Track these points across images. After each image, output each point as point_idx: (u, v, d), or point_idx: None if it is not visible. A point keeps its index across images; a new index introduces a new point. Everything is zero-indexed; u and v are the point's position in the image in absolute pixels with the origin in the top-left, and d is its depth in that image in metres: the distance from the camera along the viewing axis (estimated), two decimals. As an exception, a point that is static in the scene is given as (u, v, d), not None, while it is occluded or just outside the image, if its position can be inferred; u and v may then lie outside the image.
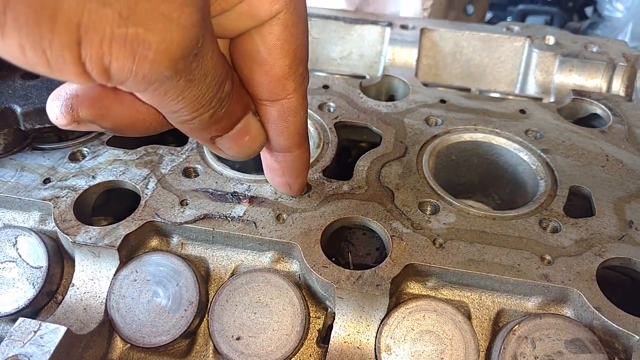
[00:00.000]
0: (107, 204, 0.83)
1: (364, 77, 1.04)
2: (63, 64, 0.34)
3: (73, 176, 0.73)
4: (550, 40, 1.09)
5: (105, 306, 0.64)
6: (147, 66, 0.36)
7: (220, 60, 0.43)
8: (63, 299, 0.65)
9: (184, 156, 0.77)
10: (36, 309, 0.67)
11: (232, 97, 0.46)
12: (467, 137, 0.85)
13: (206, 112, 0.45)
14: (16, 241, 0.67)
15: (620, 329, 0.57)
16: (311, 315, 0.64)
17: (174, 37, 0.36)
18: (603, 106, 0.92)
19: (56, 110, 0.43)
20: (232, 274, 0.67)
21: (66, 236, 0.65)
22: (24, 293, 0.65)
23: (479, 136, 0.85)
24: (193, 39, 0.37)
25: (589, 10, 2.57)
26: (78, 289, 0.65)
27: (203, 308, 0.65)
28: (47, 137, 0.79)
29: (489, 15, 2.45)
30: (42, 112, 0.73)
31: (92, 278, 0.65)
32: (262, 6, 0.45)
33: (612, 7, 2.30)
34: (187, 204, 0.69)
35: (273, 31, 0.47)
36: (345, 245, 0.81)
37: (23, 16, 0.31)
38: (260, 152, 0.59)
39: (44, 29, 0.32)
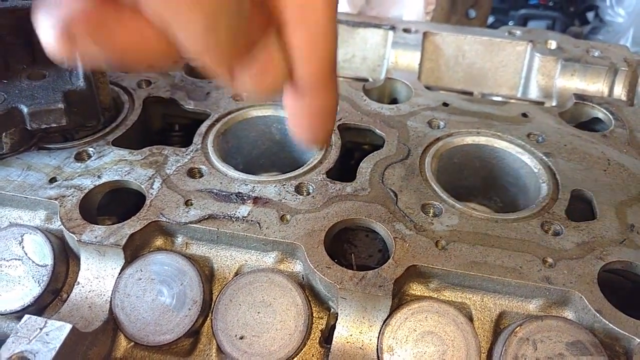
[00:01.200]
0: (111, 205, 0.83)
1: (366, 80, 1.05)
2: None
3: (79, 176, 0.74)
4: (552, 44, 1.10)
5: (110, 304, 0.64)
6: None
7: None
8: (68, 297, 0.66)
9: (189, 157, 0.78)
10: (41, 306, 0.67)
11: (250, 11, 0.39)
12: (469, 140, 0.86)
13: (223, 24, 0.36)
14: (22, 239, 0.68)
15: (621, 331, 0.58)
16: (314, 315, 0.65)
17: None
18: (605, 110, 0.93)
19: (48, 28, 0.35)
20: (236, 274, 0.68)
21: (72, 235, 0.65)
22: (29, 291, 0.66)
23: (481, 139, 0.86)
24: None
25: (590, 15, 2.58)
26: (83, 287, 0.66)
27: (207, 307, 0.65)
28: (53, 137, 0.80)
29: (490, 20, 2.46)
30: (48, 112, 0.74)
31: (97, 276, 0.66)
32: None
33: (614, 12, 2.31)
34: (191, 204, 0.70)
35: None
36: (347, 247, 0.82)
37: None
38: (286, 98, 0.50)
39: None
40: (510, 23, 2.45)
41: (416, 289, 0.65)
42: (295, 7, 0.42)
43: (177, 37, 0.37)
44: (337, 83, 0.49)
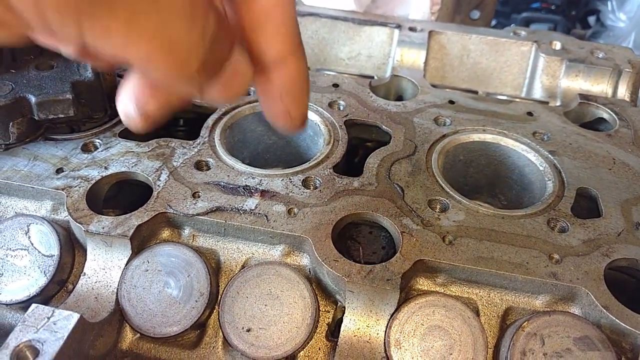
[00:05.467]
0: (116, 197, 0.83)
1: (372, 78, 1.05)
2: None
3: (85, 166, 0.74)
4: (557, 45, 1.10)
5: (117, 295, 0.64)
6: None
7: None
8: (74, 288, 0.66)
9: (196, 149, 0.78)
10: (47, 297, 0.67)
11: (219, 33, 0.38)
12: (475, 137, 0.86)
13: (190, 57, 0.37)
14: (28, 229, 0.68)
15: (628, 327, 0.58)
16: (321, 308, 0.65)
17: None
18: (609, 110, 0.93)
19: (133, 114, 0.43)
20: (243, 267, 0.68)
21: (79, 225, 0.65)
22: (35, 281, 0.66)
23: (487, 137, 0.86)
24: None
25: (591, 20, 2.59)
26: (89, 278, 0.66)
27: (213, 300, 0.65)
28: (60, 127, 0.80)
29: (492, 23, 2.46)
30: (55, 102, 0.74)
31: (104, 267, 0.66)
32: None
33: (615, 16, 2.32)
34: (199, 197, 0.70)
35: None
36: (351, 244, 0.82)
37: None
38: (253, 79, 0.49)
39: None
40: (512, 26, 2.46)
41: (423, 283, 0.65)
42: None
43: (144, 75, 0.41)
44: (304, 50, 0.48)
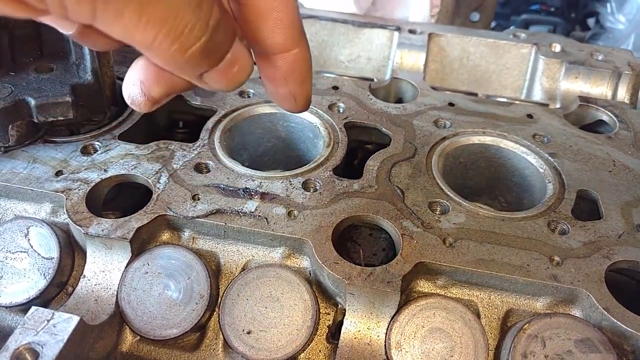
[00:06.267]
0: (116, 200, 0.83)
1: (371, 80, 1.05)
2: None
3: (85, 169, 0.73)
4: (557, 47, 1.10)
5: (117, 298, 0.64)
6: None
7: None
8: (73, 290, 0.66)
9: (196, 152, 0.78)
10: (46, 299, 0.67)
11: (221, 24, 0.41)
12: (475, 139, 0.86)
13: (194, 43, 0.39)
14: (28, 232, 0.68)
15: (630, 330, 0.58)
16: (321, 311, 0.65)
17: None
18: (609, 113, 0.93)
19: (138, 97, 0.47)
20: (243, 269, 0.68)
21: (79, 227, 0.65)
22: (34, 283, 0.65)
23: (487, 139, 0.86)
24: None
25: (591, 22, 2.59)
26: (89, 280, 0.65)
27: (213, 302, 0.65)
28: (59, 130, 0.80)
29: (492, 25, 2.47)
30: (55, 105, 0.74)
31: (104, 270, 0.66)
32: None
33: (615, 18, 2.33)
34: (199, 199, 0.69)
35: None
36: (351, 246, 0.82)
37: None
38: (257, 64, 0.53)
39: None
40: (512, 28, 2.46)
41: (424, 285, 0.65)
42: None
43: (152, 58, 0.43)
44: (306, 39, 0.51)
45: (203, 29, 0.39)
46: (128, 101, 0.48)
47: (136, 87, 0.46)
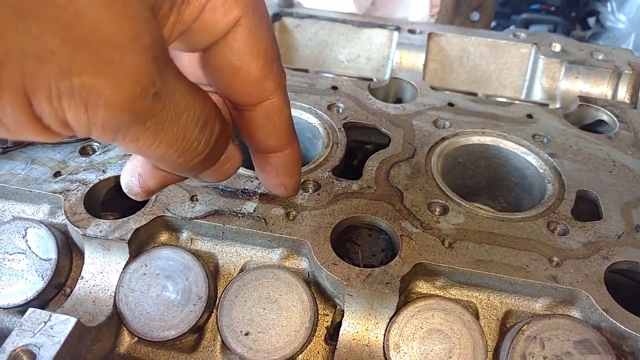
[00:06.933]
0: (114, 201, 0.83)
1: (371, 80, 1.05)
2: (22, 126, 0.34)
3: (83, 170, 0.73)
4: (557, 47, 1.10)
5: (114, 299, 0.64)
6: (102, 113, 0.35)
7: (198, 99, 0.42)
8: (71, 291, 0.65)
9: (194, 153, 0.77)
10: (44, 301, 0.67)
11: (221, 136, 0.46)
12: (475, 140, 0.86)
13: (197, 156, 0.44)
14: (26, 233, 0.67)
15: (629, 331, 0.58)
16: (320, 312, 0.65)
17: (120, 80, 0.35)
18: (609, 113, 0.93)
19: (135, 188, 0.51)
20: (241, 270, 0.67)
21: (76, 229, 0.65)
22: (32, 285, 0.65)
23: (487, 139, 0.86)
24: (143, 78, 0.36)
25: (591, 21, 2.59)
26: (87, 281, 0.65)
27: (212, 303, 0.65)
28: (57, 131, 0.79)
29: (492, 24, 2.46)
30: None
31: (102, 271, 0.65)
32: (218, 19, 0.44)
33: (615, 18, 2.32)
34: (197, 200, 0.69)
35: (238, 38, 0.46)
36: (350, 246, 0.81)
37: None
38: (253, 158, 0.59)
39: None
40: (512, 27, 2.46)
41: (422, 286, 0.65)
42: (247, 97, 0.50)
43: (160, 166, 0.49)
44: (297, 138, 0.58)
45: (206, 145, 0.44)
46: (125, 190, 0.52)
47: (134, 178, 0.51)
